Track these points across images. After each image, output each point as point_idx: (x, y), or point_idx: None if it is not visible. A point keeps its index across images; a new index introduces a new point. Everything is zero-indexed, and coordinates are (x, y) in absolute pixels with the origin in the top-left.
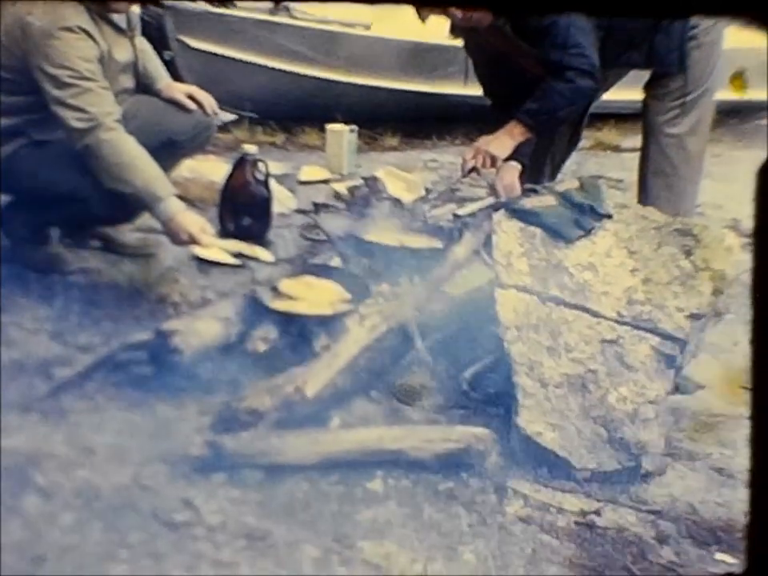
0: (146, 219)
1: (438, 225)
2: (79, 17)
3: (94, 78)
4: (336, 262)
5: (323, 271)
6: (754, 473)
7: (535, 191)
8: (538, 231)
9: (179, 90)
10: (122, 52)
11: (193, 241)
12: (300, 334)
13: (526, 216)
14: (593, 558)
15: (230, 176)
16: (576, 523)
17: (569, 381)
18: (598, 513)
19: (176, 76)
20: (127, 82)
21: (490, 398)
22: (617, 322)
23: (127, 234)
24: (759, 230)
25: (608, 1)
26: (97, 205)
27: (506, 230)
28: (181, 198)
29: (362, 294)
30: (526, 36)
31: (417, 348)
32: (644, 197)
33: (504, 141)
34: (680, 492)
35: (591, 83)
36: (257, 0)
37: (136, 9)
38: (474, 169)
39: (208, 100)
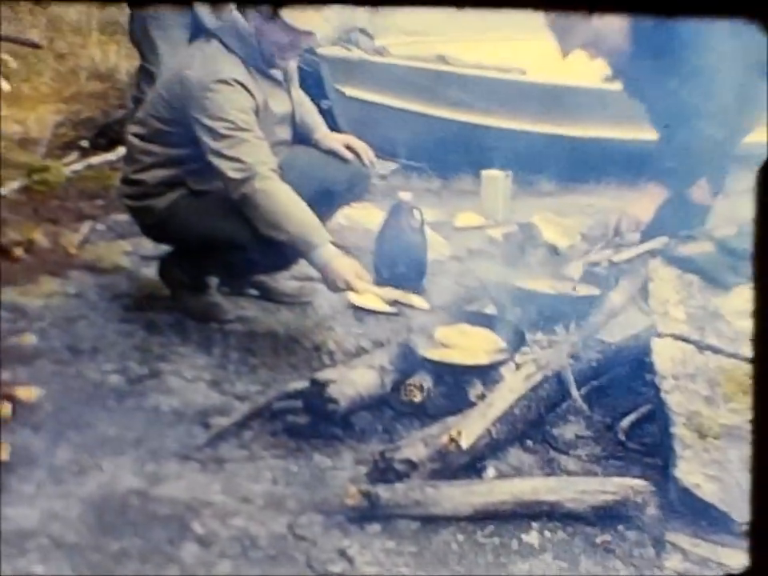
0: (302, 267)
1: (594, 271)
2: (235, 70)
3: (249, 129)
4: (491, 309)
5: (478, 319)
6: (755, 476)
7: (692, 237)
8: (694, 278)
9: (336, 140)
10: (279, 104)
11: (349, 287)
12: (455, 382)
13: (682, 263)
14: None
15: (386, 223)
16: None
17: (728, 431)
18: None
19: (332, 124)
20: (284, 133)
21: (647, 448)
22: None
23: (284, 281)
24: (759, 231)
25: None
26: (254, 253)
27: (663, 277)
28: (336, 245)
29: (517, 342)
30: None
31: (572, 397)
32: None
33: (647, 204)
34: None
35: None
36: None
37: (294, 62)
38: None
39: (365, 149)
